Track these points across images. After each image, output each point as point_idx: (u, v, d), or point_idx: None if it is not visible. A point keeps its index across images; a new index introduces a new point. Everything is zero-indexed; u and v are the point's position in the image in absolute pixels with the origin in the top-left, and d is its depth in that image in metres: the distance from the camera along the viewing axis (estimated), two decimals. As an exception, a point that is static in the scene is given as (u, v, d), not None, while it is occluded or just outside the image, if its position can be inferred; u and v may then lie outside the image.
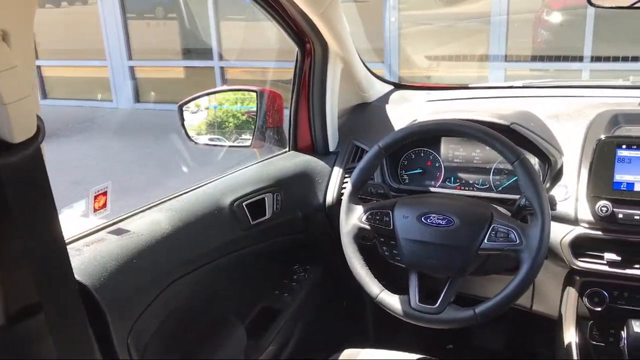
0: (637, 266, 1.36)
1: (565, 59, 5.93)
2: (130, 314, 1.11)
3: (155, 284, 1.18)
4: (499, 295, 1.22)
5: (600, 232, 1.38)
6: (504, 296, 1.22)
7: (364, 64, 1.87)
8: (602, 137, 1.37)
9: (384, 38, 6.00)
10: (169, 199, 1.35)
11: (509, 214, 1.38)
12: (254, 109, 1.72)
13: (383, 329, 2.00)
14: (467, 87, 2.07)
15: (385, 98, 1.97)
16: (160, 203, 1.33)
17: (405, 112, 1.81)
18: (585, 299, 1.44)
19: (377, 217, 1.35)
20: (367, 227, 1.36)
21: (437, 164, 1.66)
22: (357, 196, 1.41)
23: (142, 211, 1.28)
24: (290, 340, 1.66)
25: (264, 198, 1.52)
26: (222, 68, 7.60)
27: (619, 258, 1.36)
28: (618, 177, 1.34)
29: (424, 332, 1.98)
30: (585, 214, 1.38)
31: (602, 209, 1.34)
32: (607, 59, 5.62)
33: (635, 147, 1.33)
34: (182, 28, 8.32)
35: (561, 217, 1.42)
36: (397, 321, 1.31)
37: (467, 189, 1.62)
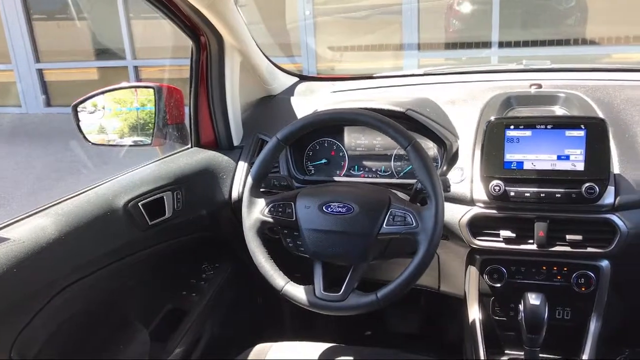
0: (530, 241, 1.41)
1: (477, 45, 6.13)
2: (13, 326, 1.05)
3: (41, 293, 1.12)
4: (399, 278, 1.24)
5: (495, 211, 1.43)
6: (404, 278, 1.24)
7: (265, 56, 1.85)
8: (492, 118, 1.41)
9: (300, 31, 6.01)
10: (57, 203, 1.28)
11: (407, 198, 1.41)
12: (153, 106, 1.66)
13: (300, 322, 2.00)
14: (371, 77, 2.09)
15: (290, 90, 1.96)
16: (46, 208, 1.26)
17: (310, 103, 1.81)
18: (485, 277, 1.49)
19: (280, 209, 1.34)
20: (270, 219, 1.34)
21: (341, 154, 1.67)
22: (259, 189, 1.39)
23: (25, 217, 1.21)
24: (201, 340, 1.62)
25: (162, 197, 1.48)
26: (135, 67, 7.37)
27: (514, 235, 1.42)
28: (508, 157, 1.39)
29: (341, 321, 2.00)
30: (480, 194, 1.43)
31: (495, 188, 1.39)
32: (517, 44, 5.84)
33: (522, 127, 1.38)
34: (95, 28, 8.00)
35: (458, 198, 1.46)
36: (313, 312, 1.31)
37: (370, 176, 1.64)
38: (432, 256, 1.23)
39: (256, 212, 1.35)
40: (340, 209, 1.29)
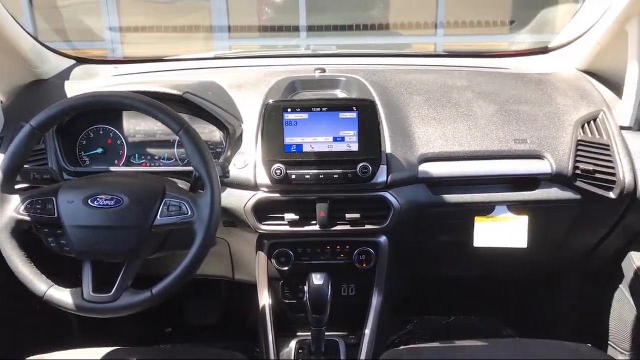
0: (313, 222, 1.43)
1: (288, 30, 6.20)
2: None
3: None
4: (175, 271, 1.17)
5: (278, 195, 1.42)
6: (180, 271, 1.17)
7: (31, 35, 1.65)
8: (270, 101, 1.40)
9: (102, 15, 5.62)
10: None
11: (187, 186, 1.34)
12: None
13: (91, 326, 1.84)
14: (160, 60, 1.98)
15: (65, 74, 1.78)
16: None
17: (86, 88, 1.65)
18: (273, 261, 1.48)
19: (38, 206, 1.20)
20: (27, 218, 1.19)
21: (119, 142, 1.55)
22: (12, 185, 1.22)
23: None
24: None
25: None
26: None
27: (297, 217, 1.42)
28: (288, 140, 1.39)
29: (137, 320, 1.88)
30: (263, 178, 1.41)
31: (277, 171, 1.38)
32: (320, 28, 6.01)
33: (299, 109, 1.38)
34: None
35: (242, 183, 1.43)
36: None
37: (153, 164, 1.54)
38: (209, 245, 1.18)
39: (9, 210, 1.19)
40: (107, 202, 1.19)
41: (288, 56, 1.93)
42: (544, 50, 1.85)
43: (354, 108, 1.39)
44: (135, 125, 1.54)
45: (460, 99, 1.58)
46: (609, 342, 1.65)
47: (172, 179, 1.34)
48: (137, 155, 1.55)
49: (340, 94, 1.62)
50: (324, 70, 1.68)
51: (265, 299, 1.50)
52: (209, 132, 1.52)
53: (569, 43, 1.75)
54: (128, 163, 1.54)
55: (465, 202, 1.48)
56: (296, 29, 5.93)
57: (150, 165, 1.54)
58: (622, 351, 1.60)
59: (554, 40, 1.83)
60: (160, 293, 1.17)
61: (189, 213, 1.18)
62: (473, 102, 1.57)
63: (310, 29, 5.73)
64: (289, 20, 6.18)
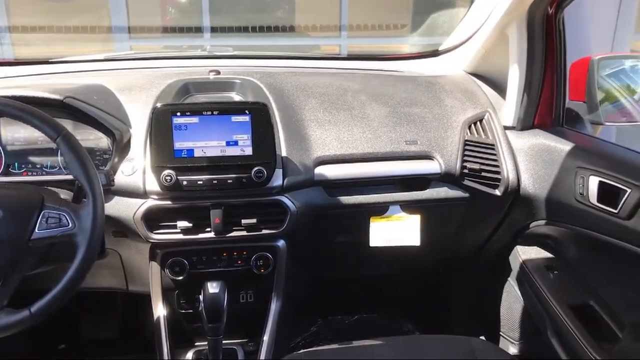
0: (208, 229, 1.39)
1: (191, 31, 6.07)
2: None
3: None
4: (56, 287, 1.10)
5: (169, 202, 1.37)
6: (61, 287, 1.10)
7: None
8: (158, 105, 1.35)
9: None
10: None
11: (70, 196, 1.27)
12: None
13: None
14: (46, 62, 1.87)
15: None
16: None
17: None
18: (167, 271, 1.43)
19: None
20: None
21: (-5, 150, 1.44)
22: None
23: None
24: None
25: None
26: None
27: (191, 224, 1.38)
28: (178, 145, 1.34)
29: (29, 336, 1.76)
30: (153, 185, 1.36)
31: (167, 178, 1.33)
32: (224, 30, 5.93)
33: (189, 113, 1.34)
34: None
35: (131, 191, 1.37)
36: None
37: (35, 174, 1.45)
38: (93, 258, 1.12)
39: None
40: None
41: (182, 57, 1.87)
42: (435, 53, 1.91)
43: (246, 111, 1.36)
44: (14, 133, 1.44)
45: (355, 102, 1.59)
46: (500, 333, 1.73)
47: (53, 189, 1.26)
48: (16, 164, 1.44)
49: (235, 96, 1.59)
50: (218, 73, 1.64)
51: (160, 310, 1.45)
52: (96, 139, 1.44)
53: (457, 46, 1.81)
54: (7, 173, 1.43)
55: (361, 203, 1.50)
56: (199, 30, 5.82)
57: (31, 175, 1.44)
58: (513, 341, 1.68)
59: (444, 44, 1.90)
60: (40, 311, 1.09)
61: (70, 225, 1.11)
62: (367, 104, 1.59)
63: (215, 30, 5.64)
64: (193, 21, 6.05)
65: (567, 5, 1.44)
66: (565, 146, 1.44)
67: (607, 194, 1.28)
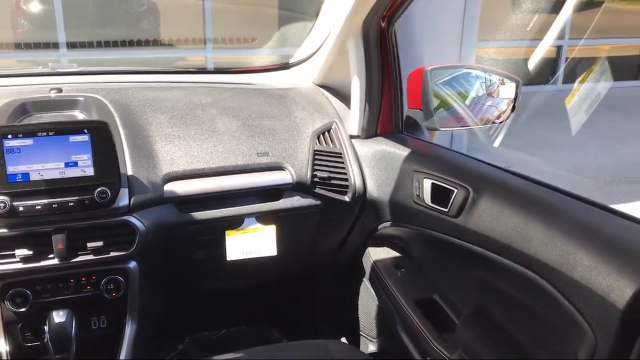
0: (51, 256, 1.33)
1: (48, 46, 5.75)
2: None
3: None
4: None
5: (5, 230, 1.29)
6: None
7: None
8: None
9: None
10: None
11: None
12: None
13: None
14: None
15: None
16: None
17: None
18: (8, 303, 1.34)
19: None
20: None
21: None
22: None
23: None
24: None
25: None
26: None
27: (32, 252, 1.31)
28: (11, 169, 1.27)
29: None
30: None
31: (0, 205, 1.25)
32: (90, 45, 5.69)
33: (22, 135, 1.27)
34: None
35: None
36: None
37: None
38: None
39: None
40: None
41: (22, 75, 1.77)
42: (286, 66, 1.96)
43: (85, 130, 1.32)
44: None
45: (205, 116, 1.59)
46: (360, 332, 1.80)
47: None
48: None
49: (79, 115, 1.53)
50: (60, 90, 1.57)
51: (1, 346, 1.35)
52: None
53: (305, 59, 1.88)
54: None
55: (215, 217, 1.50)
56: (56, 45, 5.51)
57: None
58: (371, 339, 1.76)
59: (294, 57, 1.95)
60: None
61: None
62: (217, 118, 1.59)
63: (73, 45, 5.37)
64: (47, 34, 5.72)
65: (397, 20, 1.55)
66: (403, 152, 1.54)
67: (439, 194, 1.39)
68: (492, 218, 1.24)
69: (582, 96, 1.83)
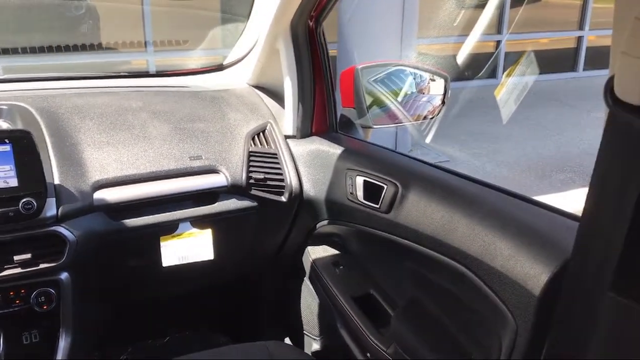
0: None
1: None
2: None
3: None
4: None
5: None
6: None
7: None
8: None
9: None
10: None
11: None
12: None
13: None
14: None
15: None
16: None
17: None
18: None
19: None
20: None
21: None
22: None
23: None
24: None
25: None
26: None
27: None
28: None
29: None
30: None
31: None
32: (24, 52, 5.49)
33: None
34: None
35: None
36: None
37: None
38: None
39: None
40: None
41: None
42: (220, 67, 1.94)
43: (6, 140, 1.27)
44: None
45: (135, 121, 1.57)
46: (304, 332, 1.81)
47: None
48: None
49: (3, 124, 1.48)
50: None
51: None
52: None
53: (239, 60, 1.87)
54: None
55: (149, 224, 1.48)
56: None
57: None
58: (315, 338, 1.77)
59: (227, 58, 1.94)
60: None
61: None
62: (148, 122, 1.57)
63: (5, 51, 5.17)
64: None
65: (324, 19, 1.56)
66: (337, 150, 1.56)
67: (371, 191, 1.41)
68: (419, 212, 1.27)
69: (510, 87, 1.89)
